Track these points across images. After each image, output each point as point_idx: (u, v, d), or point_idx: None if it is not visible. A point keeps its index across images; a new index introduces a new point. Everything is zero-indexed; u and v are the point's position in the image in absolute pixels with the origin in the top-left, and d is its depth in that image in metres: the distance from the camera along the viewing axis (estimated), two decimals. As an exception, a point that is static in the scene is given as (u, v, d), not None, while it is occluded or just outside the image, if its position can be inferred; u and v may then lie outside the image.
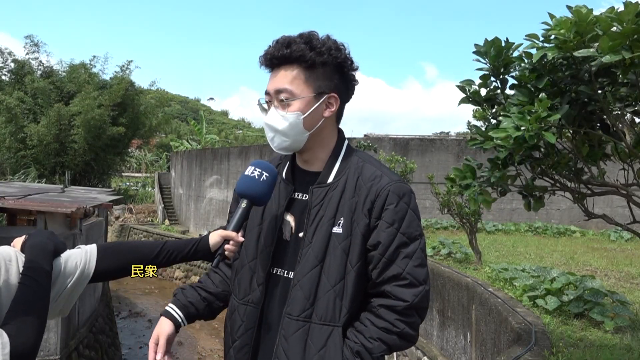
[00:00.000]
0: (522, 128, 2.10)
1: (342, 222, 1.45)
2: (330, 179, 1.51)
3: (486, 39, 2.35)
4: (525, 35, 2.22)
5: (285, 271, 1.51)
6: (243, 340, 1.51)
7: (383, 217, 1.42)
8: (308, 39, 1.48)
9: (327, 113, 1.51)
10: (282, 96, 1.47)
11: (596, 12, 2.05)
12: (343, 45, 1.52)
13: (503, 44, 2.33)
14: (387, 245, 1.41)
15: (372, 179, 1.46)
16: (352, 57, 1.54)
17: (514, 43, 2.34)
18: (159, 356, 1.51)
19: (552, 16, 2.14)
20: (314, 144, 1.53)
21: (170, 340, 1.56)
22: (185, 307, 1.61)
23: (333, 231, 1.44)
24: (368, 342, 1.39)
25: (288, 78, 1.47)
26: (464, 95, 2.55)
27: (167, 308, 1.61)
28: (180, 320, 1.60)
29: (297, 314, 1.44)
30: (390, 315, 1.39)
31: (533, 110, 2.11)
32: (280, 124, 1.48)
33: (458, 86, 2.55)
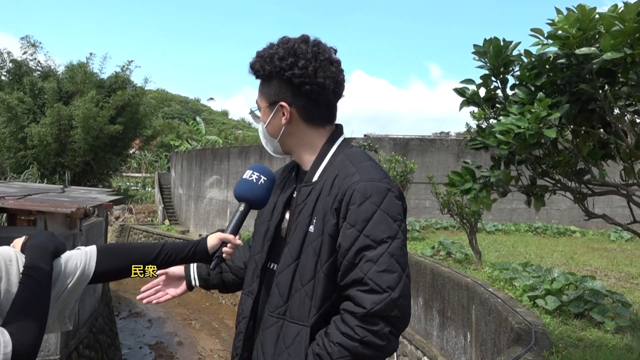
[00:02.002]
0: (522, 128, 2.10)
1: (315, 221, 1.44)
2: (315, 178, 1.52)
3: (485, 39, 2.35)
4: (530, 30, 2.21)
5: (276, 266, 1.55)
6: (239, 328, 1.58)
7: (347, 217, 1.37)
8: (267, 48, 1.52)
9: (283, 121, 1.53)
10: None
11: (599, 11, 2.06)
12: (300, 49, 1.48)
13: (502, 44, 2.33)
14: (347, 247, 1.35)
15: (345, 177, 1.43)
16: (307, 61, 1.48)
17: (512, 42, 2.34)
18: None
19: (558, 11, 2.13)
20: (292, 147, 1.59)
21: (172, 282, 1.77)
22: (200, 267, 1.78)
23: (308, 230, 1.44)
24: (329, 346, 1.33)
25: (258, 90, 1.60)
26: (463, 99, 2.55)
27: (189, 264, 1.78)
28: (192, 274, 1.77)
29: (272, 309, 1.46)
30: (352, 321, 1.32)
31: (532, 110, 2.11)
32: (260, 132, 1.62)
33: (455, 90, 2.54)
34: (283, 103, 1.51)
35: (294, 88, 1.51)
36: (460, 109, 2.57)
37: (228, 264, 1.78)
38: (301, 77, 1.48)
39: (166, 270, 1.73)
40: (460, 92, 2.54)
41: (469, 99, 2.53)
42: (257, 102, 1.59)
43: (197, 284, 1.78)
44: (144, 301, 1.74)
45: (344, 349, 1.31)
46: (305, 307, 1.41)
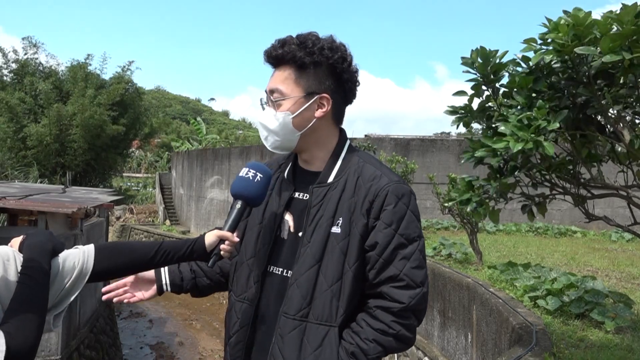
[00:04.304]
0: (521, 140, 2.09)
1: (340, 222, 1.45)
2: (331, 179, 1.51)
3: (472, 50, 2.36)
4: (523, 41, 2.22)
5: (283, 270, 1.51)
6: (238, 336, 1.53)
7: (381, 217, 1.42)
8: (302, 39, 1.49)
9: (318, 113, 1.51)
10: (274, 96, 1.50)
11: (596, 15, 2.05)
12: (342, 46, 1.51)
13: (488, 53, 2.34)
14: (385, 246, 1.40)
15: (372, 179, 1.46)
16: (352, 58, 1.53)
17: (498, 50, 2.35)
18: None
19: (549, 20, 2.14)
20: (309, 144, 1.54)
21: (141, 283, 1.67)
22: (173, 272, 1.68)
23: (332, 231, 1.45)
24: (363, 343, 1.38)
25: (280, 78, 1.50)
26: (456, 116, 2.55)
27: (160, 268, 1.68)
28: (164, 279, 1.67)
29: (294, 313, 1.44)
30: (386, 317, 1.39)
31: (533, 116, 2.11)
32: (271, 123, 1.51)
33: (446, 111, 2.55)
34: (326, 95, 1.50)
35: (339, 83, 1.52)
36: (457, 127, 2.57)
37: (203, 268, 1.69)
38: (348, 74, 1.52)
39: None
40: (451, 111, 2.54)
41: (462, 115, 2.53)
42: (279, 90, 1.49)
43: (169, 289, 1.68)
44: (107, 297, 1.63)
45: (379, 344, 1.38)
46: (332, 307, 1.42)
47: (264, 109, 1.57)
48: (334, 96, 1.52)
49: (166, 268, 1.67)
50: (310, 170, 1.58)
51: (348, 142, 1.60)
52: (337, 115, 1.57)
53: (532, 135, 2.07)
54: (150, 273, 1.67)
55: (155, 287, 1.68)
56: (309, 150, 1.56)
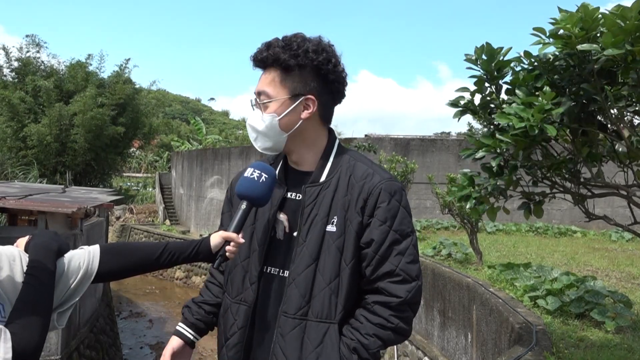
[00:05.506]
0: (524, 120, 2.08)
1: (335, 220, 1.47)
2: (323, 178, 1.53)
3: (476, 47, 2.36)
4: (533, 29, 2.20)
5: (279, 270, 1.53)
6: (235, 338, 1.54)
7: (376, 215, 1.45)
8: (287, 41, 1.50)
9: (304, 115, 1.52)
10: (261, 98, 1.52)
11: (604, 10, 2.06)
12: (328, 47, 1.52)
13: (494, 49, 2.34)
14: (380, 242, 1.44)
15: (364, 177, 1.49)
16: (338, 59, 1.54)
17: (502, 48, 2.35)
18: None
19: (561, 10, 2.13)
20: (296, 145, 1.55)
21: (180, 354, 1.64)
22: (194, 324, 1.68)
23: (327, 229, 1.47)
24: (364, 339, 1.42)
25: (267, 80, 1.52)
26: (457, 109, 2.55)
27: (177, 327, 1.69)
28: (191, 337, 1.67)
29: (294, 312, 1.46)
30: (384, 312, 1.42)
31: (537, 103, 2.10)
32: (259, 125, 1.52)
33: (449, 104, 2.55)
34: (312, 97, 1.51)
35: (325, 84, 1.54)
36: (458, 119, 2.58)
37: (216, 303, 1.69)
38: (335, 74, 1.53)
39: (168, 353, 1.61)
40: (454, 104, 2.54)
41: (464, 108, 2.53)
42: (266, 92, 1.51)
43: (198, 337, 1.69)
44: None
45: (379, 338, 1.42)
46: (331, 304, 1.45)
47: (254, 110, 1.59)
48: (320, 97, 1.53)
49: (184, 326, 1.67)
50: (301, 170, 1.59)
51: (337, 141, 1.62)
52: (325, 115, 1.58)
53: (536, 115, 2.06)
54: (177, 343, 1.64)
55: (187, 347, 1.66)
56: (297, 151, 1.57)
